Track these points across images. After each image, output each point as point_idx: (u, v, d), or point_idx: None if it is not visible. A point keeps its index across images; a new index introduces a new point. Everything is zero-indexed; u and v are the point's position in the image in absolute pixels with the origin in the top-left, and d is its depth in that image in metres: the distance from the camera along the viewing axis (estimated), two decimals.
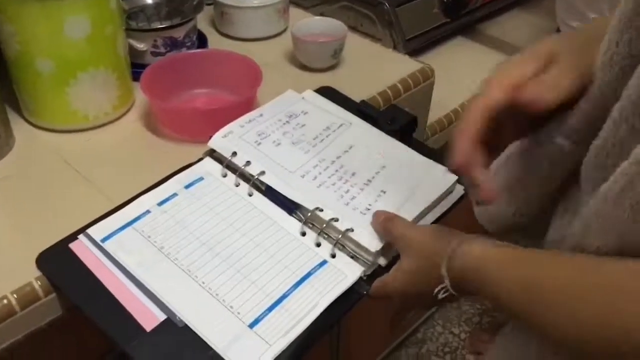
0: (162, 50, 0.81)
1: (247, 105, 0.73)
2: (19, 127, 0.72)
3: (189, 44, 0.83)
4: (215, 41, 0.91)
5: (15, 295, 0.54)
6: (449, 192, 0.64)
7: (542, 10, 1.24)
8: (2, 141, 0.68)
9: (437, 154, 0.69)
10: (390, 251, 0.56)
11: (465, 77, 1.04)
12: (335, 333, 1.07)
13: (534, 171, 0.46)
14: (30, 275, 0.55)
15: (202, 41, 0.88)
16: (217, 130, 0.66)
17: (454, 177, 0.64)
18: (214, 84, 0.78)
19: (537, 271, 0.39)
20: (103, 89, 0.71)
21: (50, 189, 0.65)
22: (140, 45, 0.79)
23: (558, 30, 1.06)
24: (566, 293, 0.36)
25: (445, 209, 0.64)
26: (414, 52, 1.00)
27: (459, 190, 0.65)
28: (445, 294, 0.46)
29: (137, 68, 0.76)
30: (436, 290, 0.47)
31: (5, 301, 0.53)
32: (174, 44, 0.82)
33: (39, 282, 0.55)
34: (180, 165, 0.65)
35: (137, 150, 0.71)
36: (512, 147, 0.48)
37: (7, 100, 0.74)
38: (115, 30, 0.70)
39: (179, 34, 0.81)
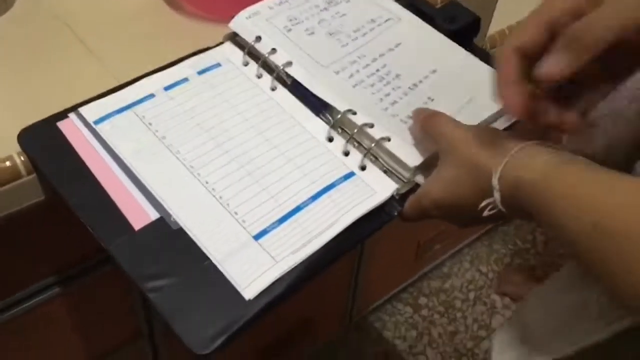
0: None
1: None
2: None
3: None
4: None
5: None
6: None
7: None
8: None
9: None
10: (432, 168, 0.47)
11: None
12: (357, 255, 1.01)
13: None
14: (13, 149, 0.48)
15: None
16: None
17: None
18: None
19: (613, 205, 0.30)
20: None
21: (47, 58, 0.57)
22: None
23: None
24: None
25: (507, 124, 0.54)
26: None
27: None
28: (493, 211, 0.38)
29: None
30: (482, 204, 0.38)
31: None
32: None
33: (22, 158, 0.48)
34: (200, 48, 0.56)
35: (153, 27, 0.62)
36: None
37: None
38: None
39: None
